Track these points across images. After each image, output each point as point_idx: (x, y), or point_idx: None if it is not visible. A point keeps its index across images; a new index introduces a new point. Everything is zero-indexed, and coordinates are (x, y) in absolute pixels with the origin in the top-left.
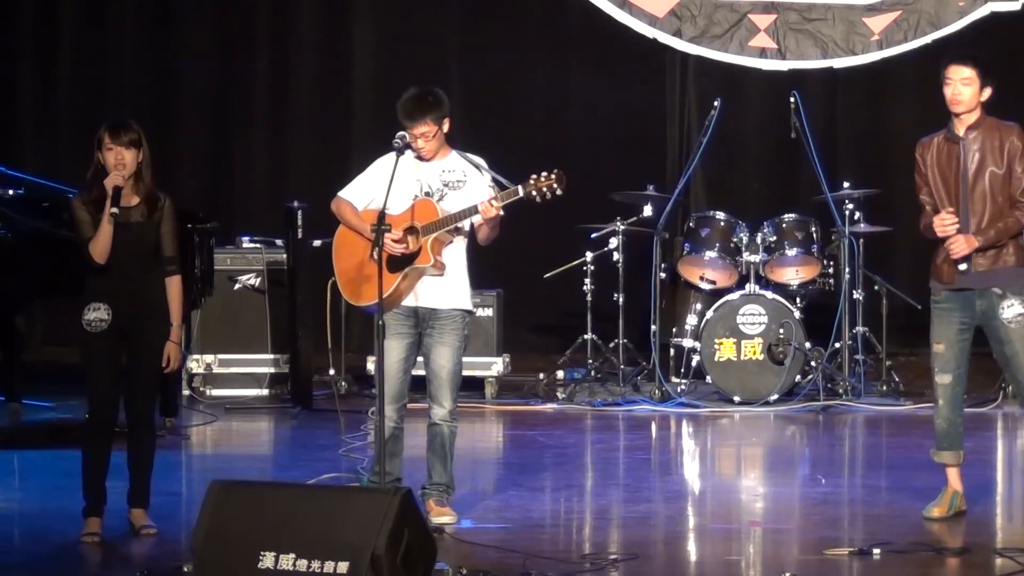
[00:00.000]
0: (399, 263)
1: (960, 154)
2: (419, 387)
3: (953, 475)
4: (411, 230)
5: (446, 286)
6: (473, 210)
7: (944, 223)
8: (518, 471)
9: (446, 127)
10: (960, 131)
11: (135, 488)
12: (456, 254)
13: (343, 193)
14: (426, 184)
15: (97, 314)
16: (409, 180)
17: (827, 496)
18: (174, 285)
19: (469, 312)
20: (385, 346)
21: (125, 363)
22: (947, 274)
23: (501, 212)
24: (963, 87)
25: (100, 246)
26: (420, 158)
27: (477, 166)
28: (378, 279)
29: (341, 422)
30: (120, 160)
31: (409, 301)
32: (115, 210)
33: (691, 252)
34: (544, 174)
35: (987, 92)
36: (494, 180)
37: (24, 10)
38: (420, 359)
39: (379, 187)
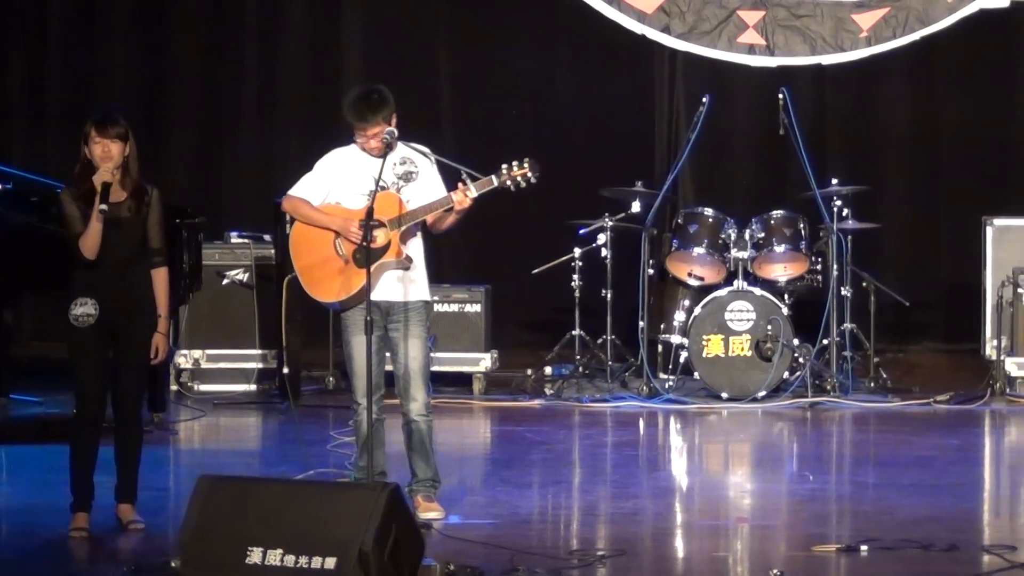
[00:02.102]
0: (366, 259)
1: None
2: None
3: None
4: (377, 224)
5: (409, 278)
6: (446, 201)
7: None
8: (506, 467)
9: (393, 122)
10: None
11: (123, 483)
12: (416, 247)
13: (295, 192)
14: (380, 180)
15: (84, 309)
16: (364, 174)
17: (815, 493)
18: (160, 277)
19: (429, 304)
20: (357, 343)
21: (112, 358)
22: None
23: None
24: None
25: (90, 243)
26: (389, 145)
27: (424, 154)
28: (366, 274)
29: (296, 419)
30: (107, 153)
31: (374, 295)
32: (104, 207)
33: (679, 248)
34: (516, 163)
35: None
36: (440, 165)
37: (13, 5)
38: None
39: (331, 183)
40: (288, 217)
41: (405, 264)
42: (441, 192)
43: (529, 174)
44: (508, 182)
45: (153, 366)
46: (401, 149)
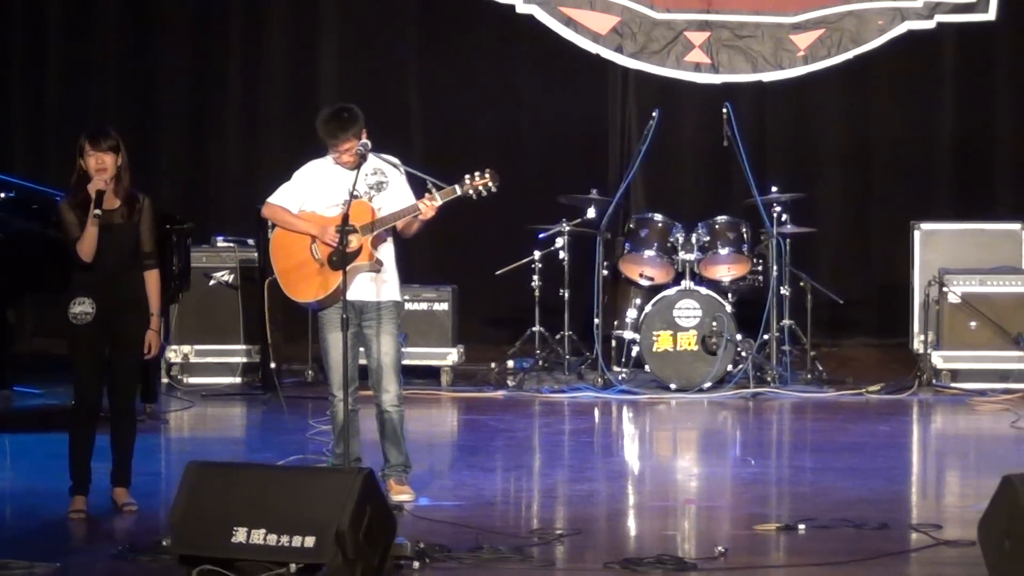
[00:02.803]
0: (342, 261)
1: None
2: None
3: None
4: (352, 230)
5: (381, 280)
6: (413, 209)
7: None
8: (471, 453)
9: (363, 136)
10: None
11: (118, 468)
12: (387, 251)
13: (274, 200)
14: (353, 189)
15: (82, 307)
16: (338, 185)
17: (756, 476)
18: (152, 278)
19: (400, 303)
20: (333, 339)
21: (108, 353)
22: None
23: None
24: None
25: (86, 246)
26: (364, 157)
27: (395, 165)
28: (342, 276)
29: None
30: (101, 165)
31: (348, 296)
32: (98, 212)
33: (631, 251)
34: (478, 173)
35: None
36: (408, 174)
37: (14, 26)
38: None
39: (307, 192)
40: (270, 223)
41: (376, 267)
42: (409, 200)
43: (490, 183)
44: (471, 191)
45: (146, 360)
46: (373, 160)
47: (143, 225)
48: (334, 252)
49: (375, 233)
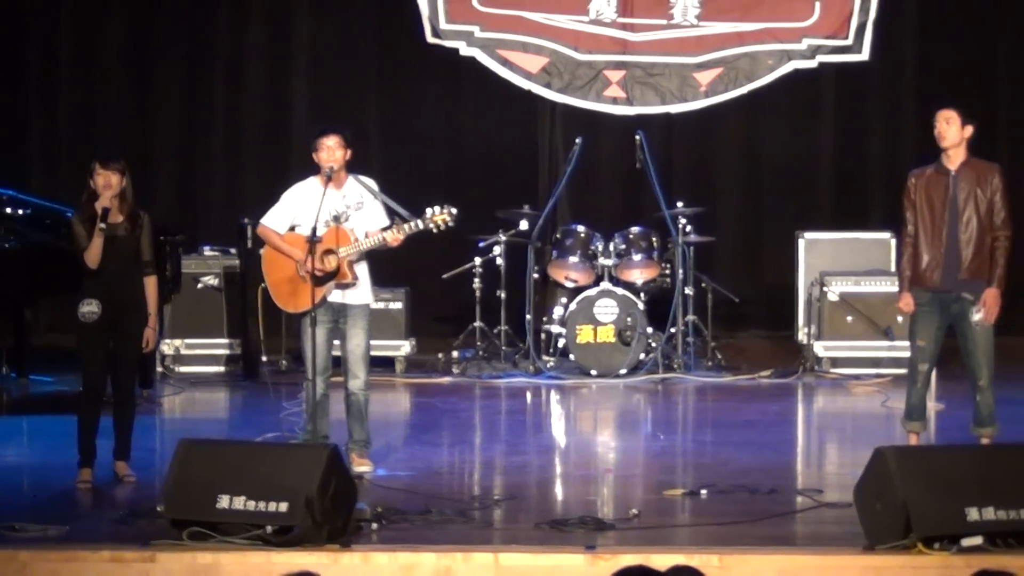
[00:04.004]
0: (323, 279)
1: (949, 184)
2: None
3: (915, 441)
4: (329, 252)
5: (355, 286)
6: (382, 239)
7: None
8: (421, 430)
9: (348, 154)
10: (949, 166)
11: (119, 445)
12: (362, 266)
13: (266, 221)
14: (334, 208)
15: (89, 308)
16: (322, 204)
17: (665, 448)
18: (150, 283)
19: (370, 305)
20: (309, 334)
21: (111, 346)
22: (929, 279)
23: None
24: (947, 126)
25: (93, 255)
26: (329, 178)
27: (371, 190)
28: (319, 291)
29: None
30: (108, 184)
31: (330, 299)
32: (103, 226)
33: (558, 257)
34: (438, 208)
35: (968, 130)
36: (383, 201)
37: (32, 64)
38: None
39: (294, 212)
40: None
41: (352, 284)
42: (383, 219)
43: (448, 219)
44: (431, 225)
45: (144, 353)
46: (351, 183)
47: (143, 238)
48: (314, 273)
49: (348, 255)
